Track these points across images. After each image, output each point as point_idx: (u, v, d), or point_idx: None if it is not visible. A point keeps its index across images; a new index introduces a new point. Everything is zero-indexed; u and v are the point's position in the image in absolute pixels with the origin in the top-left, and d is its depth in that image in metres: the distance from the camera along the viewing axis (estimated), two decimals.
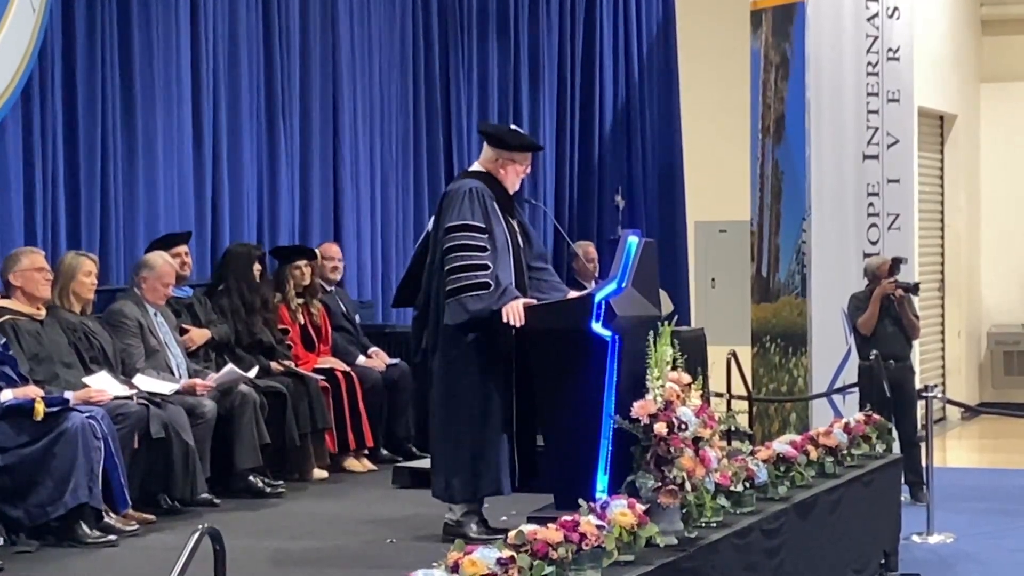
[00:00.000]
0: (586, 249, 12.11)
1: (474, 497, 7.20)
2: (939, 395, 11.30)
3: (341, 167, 11.30)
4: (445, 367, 7.19)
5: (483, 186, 7.28)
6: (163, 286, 8.82)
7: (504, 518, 7.27)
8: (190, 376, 8.72)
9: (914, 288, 11.50)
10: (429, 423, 7.48)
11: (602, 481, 6.69)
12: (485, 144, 7.49)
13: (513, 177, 7.41)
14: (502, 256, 7.16)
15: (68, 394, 7.58)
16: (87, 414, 7.40)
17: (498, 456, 7.12)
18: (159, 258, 8.89)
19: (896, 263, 11.38)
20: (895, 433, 9.86)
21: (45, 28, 8.77)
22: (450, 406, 7.18)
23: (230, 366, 8.93)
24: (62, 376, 7.89)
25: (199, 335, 9.23)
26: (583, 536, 5.62)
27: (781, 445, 7.99)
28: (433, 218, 7.47)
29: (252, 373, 9.00)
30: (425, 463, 7.88)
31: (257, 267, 9.69)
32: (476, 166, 7.49)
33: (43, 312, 8.03)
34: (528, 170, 7.54)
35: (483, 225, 7.16)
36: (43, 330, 7.97)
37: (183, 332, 9.11)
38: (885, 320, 11.28)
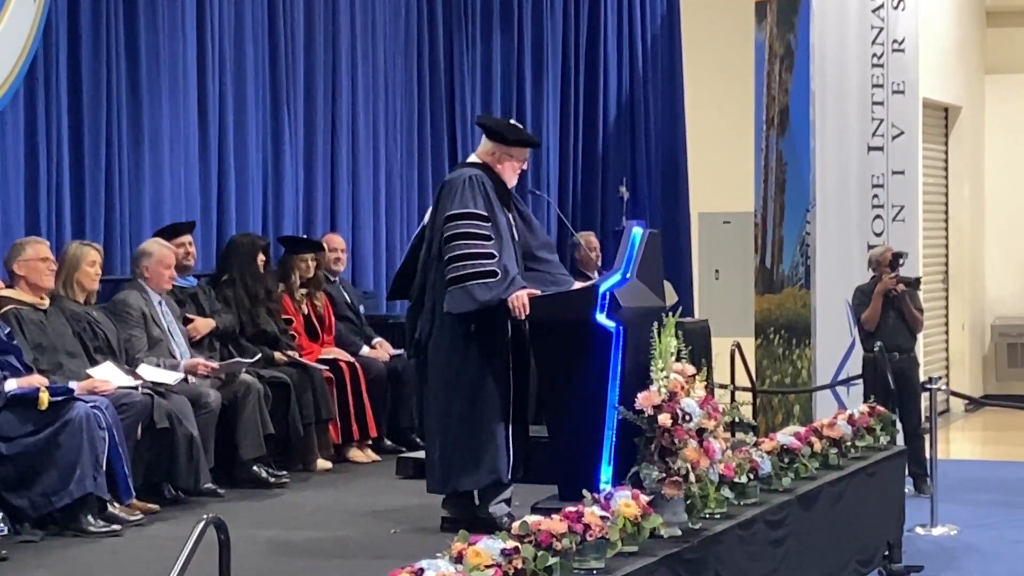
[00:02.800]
0: (587, 238, 12.11)
1: (476, 487, 7.19)
2: (943, 387, 11.30)
3: (345, 158, 11.30)
4: (444, 357, 7.16)
5: (482, 174, 7.26)
6: (165, 268, 8.80)
7: (508, 510, 7.26)
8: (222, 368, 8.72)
9: (915, 282, 11.50)
10: (424, 415, 7.46)
11: (606, 472, 6.69)
12: (483, 137, 7.48)
13: (510, 172, 7.39)
14: (506, 245, 7.15)
15: (73, 384, 7.58)
16: (91, 404, 7.40)
17: (498, 445, 7.11)
18: (155, 244, 8.90)
19: (896, 258, 11.38)
20: (899, 425, 9.86)
21: (48, 14, 8.76)
22: (449, 396, 7.15)
23: (236, 359, 8.94)
24: (66, 365, 7.89)
25: (203, 325, 9.23)
26: (587, 527, 5.62)
27: (785, 436, 7.98)
28: (430, 209, 7.45)
29: (253, 360, 9.00)
30: None
31: (261, 258, 9.68)
32: (473, 158, 7.47)
33: (47, 302, 8.03)
34: (525, 166, 7.53)
35: (485, 213, 7.14)
36: (47, 320, 7.97)
37: (187, 322, 9.11)
38: (889, 312, 11.27)
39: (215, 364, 8.71)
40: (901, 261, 11.38)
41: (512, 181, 7.44)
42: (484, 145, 7.43)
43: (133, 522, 7.55)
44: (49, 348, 7.89)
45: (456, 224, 7.11)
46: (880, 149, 13.09)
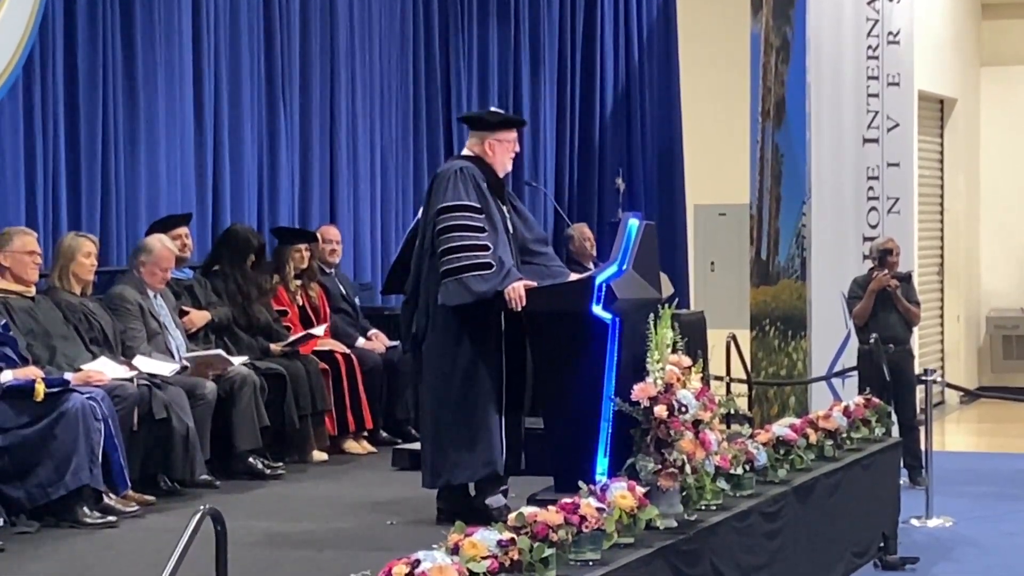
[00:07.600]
0: (581, 230, 12.12)
1: (471, 479, 7.18)
2: (938, 379, 11.31)
3: (341, 149, 11.29)
4: (438, 350, 7.15)
5: (473, 166, 7.23)
6: (161, 270, 8.80)
7: (504, 501, 7.26)
8: (190, 359, 8.71)
9: (907, 277, 11.52)
10: (420, 409, 7.45)
11: (602, 464, 6.69)
12: (469, 131, 7.46)
13: (502, 156, 7.34)
14: (500, 236, 7.14)
15: (68, 375, 7.58)
16: (87, 395, 7.40)
17: (493, 437, 7.10)
18: (158, 242, 8.87)
19: (883, 255, 11.39)
20: (894, 417, 9.88)
21: (45, 6, 8.76)
22: (443, 390, 7.13)
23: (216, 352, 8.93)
24: (60, 349, 7.88)
25: (199, 317, 9.23)
26: (583, 519, 5.63)
27: (781, 428, 8.00)
28: (423, 204, 7.44)
29: (238, 360, 8.94)
30: None
31: (251, 259, 9.63)
32: (464, 152, 7.46)
33: (32, 290, 8.02)
34: (516, 148, 7.48)
35: (478, 205, 7.12)
36: (35, 306, 7.96)
37: (183, 314, 9.11)
38: (886, 304, 11.28)
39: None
40: (889, 258, 11.38)
41: (506, 167, 7.39)
42: (471, 138, 7.41)
43: (129, 513, 7.54)
44: (41, 334, 7.88)
45: (449, 216, 7.07)
46: (875, 141, 13.10)
